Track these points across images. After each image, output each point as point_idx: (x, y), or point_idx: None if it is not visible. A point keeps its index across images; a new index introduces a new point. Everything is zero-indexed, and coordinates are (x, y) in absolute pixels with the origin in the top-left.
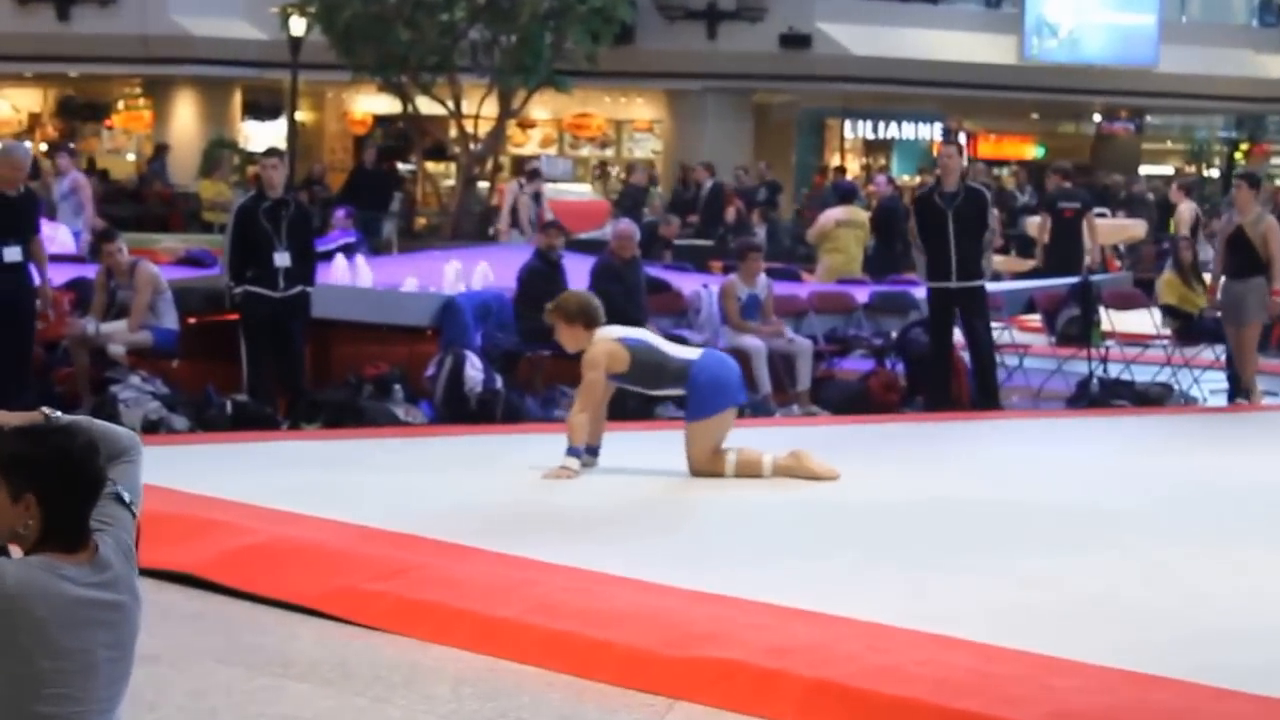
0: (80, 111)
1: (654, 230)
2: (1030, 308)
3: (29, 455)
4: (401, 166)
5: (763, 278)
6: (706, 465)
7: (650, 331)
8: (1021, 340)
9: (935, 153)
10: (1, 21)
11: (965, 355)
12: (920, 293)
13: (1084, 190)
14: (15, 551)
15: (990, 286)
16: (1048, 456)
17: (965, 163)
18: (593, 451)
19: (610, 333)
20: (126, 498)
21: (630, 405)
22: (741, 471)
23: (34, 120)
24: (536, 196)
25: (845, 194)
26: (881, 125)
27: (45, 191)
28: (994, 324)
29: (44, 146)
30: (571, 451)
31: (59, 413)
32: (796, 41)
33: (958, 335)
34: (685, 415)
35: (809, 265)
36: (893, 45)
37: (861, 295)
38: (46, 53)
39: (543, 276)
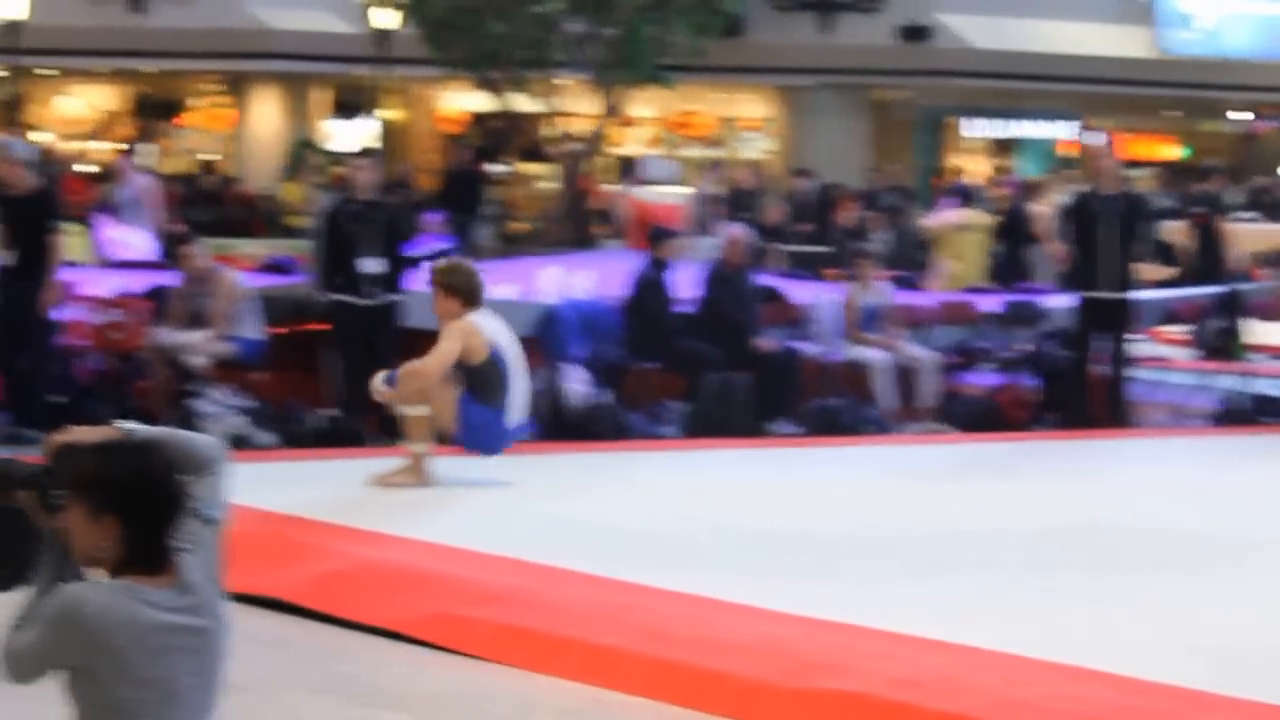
0: (156, 109)
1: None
2: (1172, 319)
3: (107, 475)
4: (496, 168)
5: (883, 286)
6: (415, 382)
7: (518, 352)
8: (1163, 353)
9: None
10: (74, 15)
11: (1101, 369)
12: (1052, 302)
13: (1222, 193)
14: (96, 575)
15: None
16: (1191, 477)
17: (1121, 165)
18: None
19: (484, 322)
20: (211, 516)
21: (739, 422)
22: (409, 425)
23: (108, 118)
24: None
25: (962, 196)
26: (1006, 123)
27: (112, 194)
28: (1133, 336)
29: (119, 146)
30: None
31: (137, 426)
32: (915, 34)
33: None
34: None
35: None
36: (1018, 38)
37: (989, 304)
38: (121, 48)
39: (656, 285)
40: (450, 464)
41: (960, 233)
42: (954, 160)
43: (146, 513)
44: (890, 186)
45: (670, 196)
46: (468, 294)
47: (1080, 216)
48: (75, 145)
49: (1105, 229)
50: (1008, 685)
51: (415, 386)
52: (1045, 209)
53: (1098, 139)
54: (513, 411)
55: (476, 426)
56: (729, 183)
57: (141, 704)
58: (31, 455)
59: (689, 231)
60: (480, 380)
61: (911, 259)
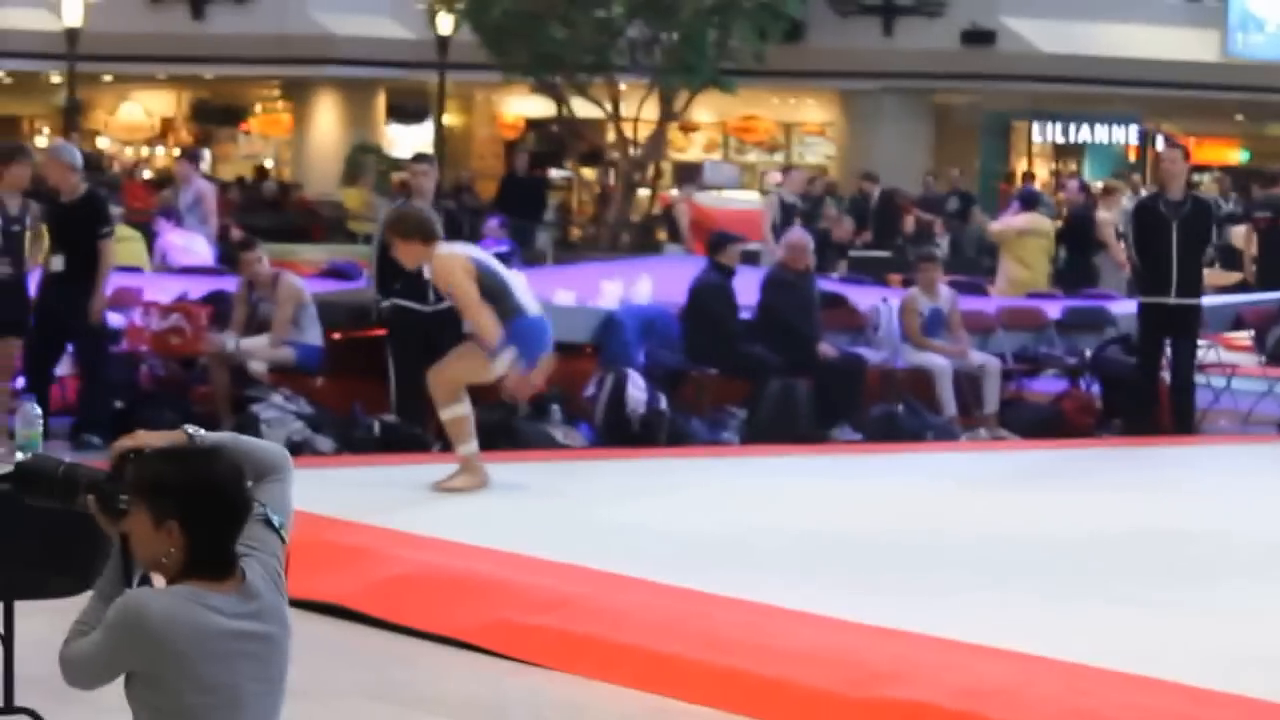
0: (215, 115)
1: (826, 238)
2: (1238, 324)
3: (171, 479)
4: (555, 173)
5: (946, 290)
6: (442, 384)
7: (490, 257)
8: (1229, 359)
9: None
10: (133, 21)
11: (1166, 376)
12: (1117, 308)
13: None
14: (158, 581)
15: None
16: (1257, 485)
17: (1189, 170)
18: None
19: (454, 248)
20: (275, 521)
21: (800, 429)
22: (450, 427)
23: (167, 125)
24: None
25: (1029, 201)
26: (1072, 127)
27: (173, 200)
28: (1199, 341)
29: (177, 152)
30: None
31: (203, 431)
32: (980, 38)
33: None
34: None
35: (995, 278)
36: (1084, 41)
37: (1053, 310)
38: (180, 53)
39: (718, 291)
40: (510, 470)
41: (1025, 237)
42: (1019, 164)
43: (211, 518)
44: (952, 191)
45: (731, 201)
46: (424, 231)
47: (1147, 221)
48: (135, 151)
49: (1171, 234)
50: (1073, 695)
51: (490, 318)
52: (1111, 215)
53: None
54: (529, 306)
55: (520, 341)
56: (803, 187)
57: (205, 710)
58: (96, 460)
59: (766, 237)
60: (487, 296)
61: (975, 264)
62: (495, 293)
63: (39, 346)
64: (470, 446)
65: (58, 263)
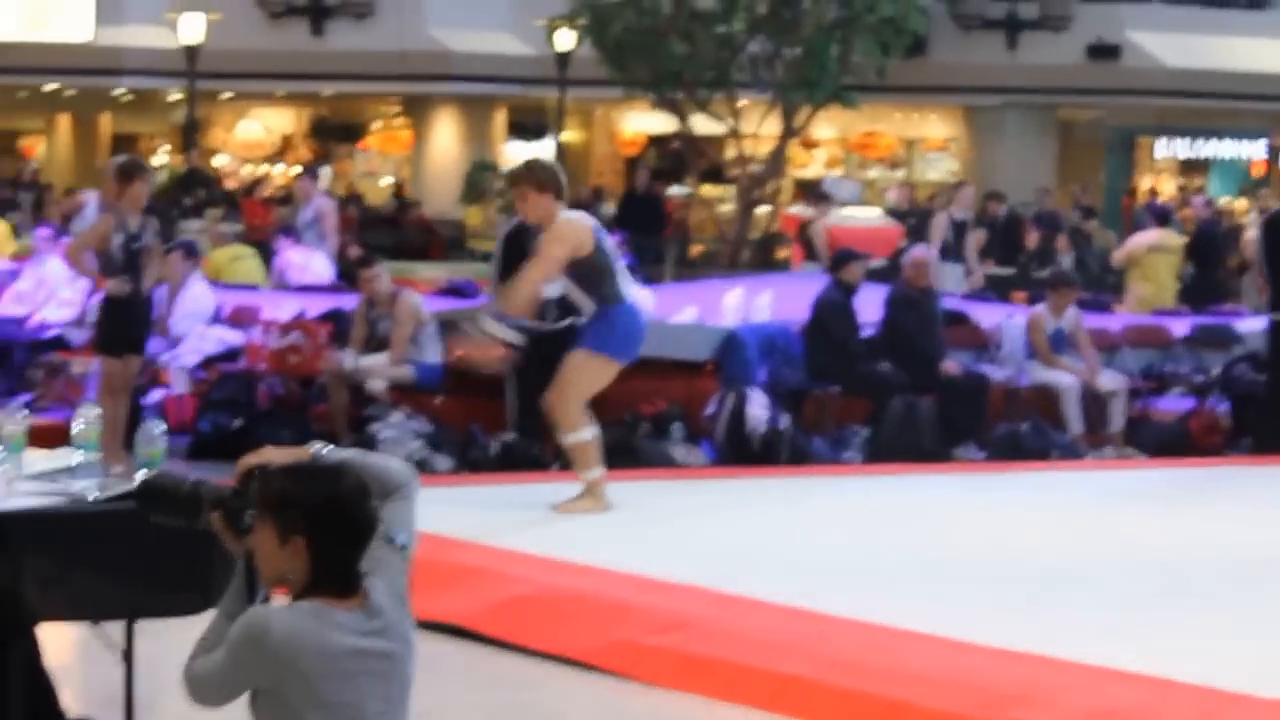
0: (334, 132)
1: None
2: None
3: (297, 496)
4: (675, 190)
5: (1072, 309)
6: (563, 408)
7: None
8: None
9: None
10: (253, 37)
11: None
12: (1244, 325)
13: None
14: (283, 598)
15: None
16: None
17: None
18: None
19: (578, 216)
20: (400, 540)
21: (924, 447)
22: (574, 453)
23: (286, 142)
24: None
25: (1159, 217)
26: (1198, 143)
27: (291, 218)
28: None
29: (295, 169)
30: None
31: (329, 448)
32: (1104, 52)
33: None
34: (584, 341)
35: (1120, 295)
36: (1210, 56)
37: (1179, 328)
38: (299, 70)
39: (841, 309)
40: (631, 489)
41: (1153, 254)
42: (1143, 180)
43: (336, 535)
44: (1075, 206)
45: (862, 219)
46: (559, 187)
47: (1275, 236)
48: (253, 169)
49: None
50: (1203, 718)
51: (532, 292)
52: (1253, 233)
53: None
54: (631, 294)
55: (622, 327)
56: (970, 205)
57: None
58: (221, 477)
59: (936, 257)
60: (594, 274)
61: (1100, 280)
62: (603, 272)
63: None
64: (594, 472)
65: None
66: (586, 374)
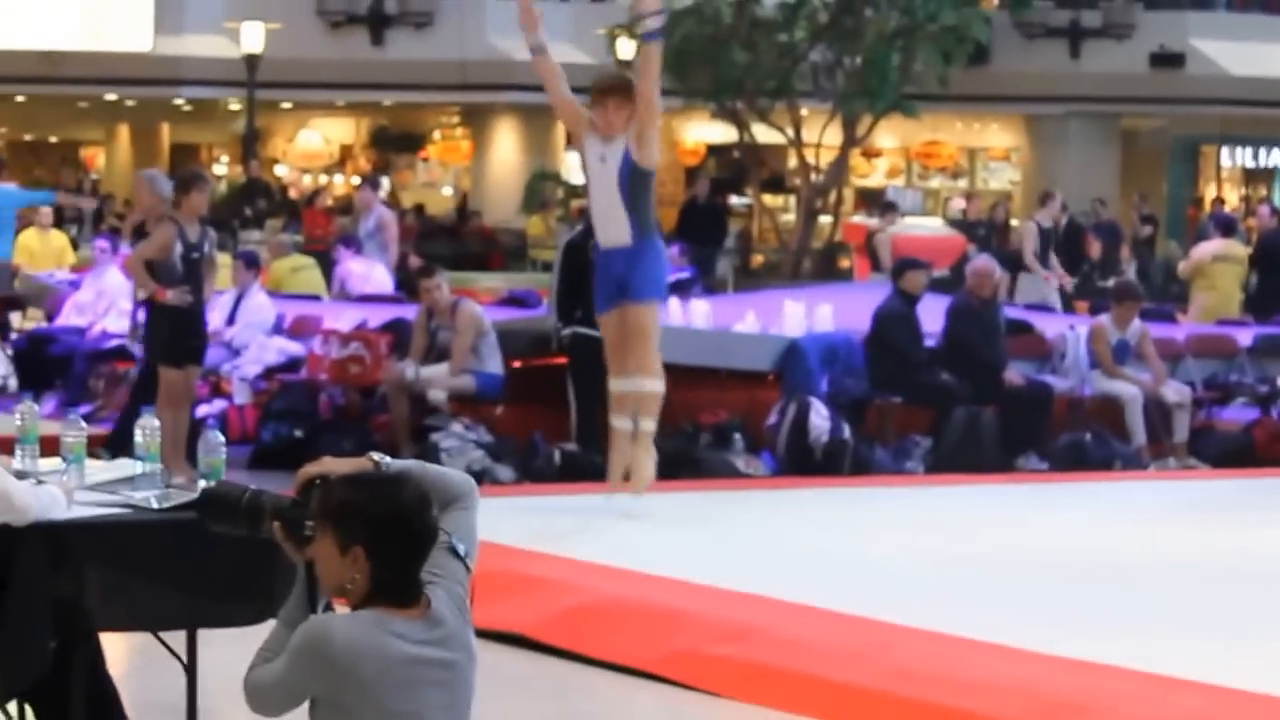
0: (394, 142)
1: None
2: None
3: (358, 506)
4: (736, 199)
5: (1137, 321)
6: (655, 358)
7: None
8: None
9: None
10: (312, 47)
11: None
12: None
13: None
14: (343, 607)
15: None
16: None
17: None
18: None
19: None
20: (461, 550)
21: (986, 458)
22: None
23: (345, 152)
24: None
25: (1224, 226)
26: (1263, 152)
27: (352, 228)
28: None
29: (356, 179)
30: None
31: (388, 458)
32: (1168, 60)
33: None
34: (649, 290)
35: (1183, 305)
36: (1275, 63)
37: (1244, 337)
38: (359, 80)
39: (903, 319)
40: (693, 499)
41: (1217, 264)
42: (1207, 189)
43: (397, 545)
44: (1140, 216)
45: (926, 229)
46: None
47: None
48: (313, 179)
49: None
50: None
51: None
52: None
53: None
54: None
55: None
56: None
57: None
58: (280, 487)
59: (1031, 264)
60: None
61: (1163, 290)
62: (651, 189)
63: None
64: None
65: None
66: (657, 323)
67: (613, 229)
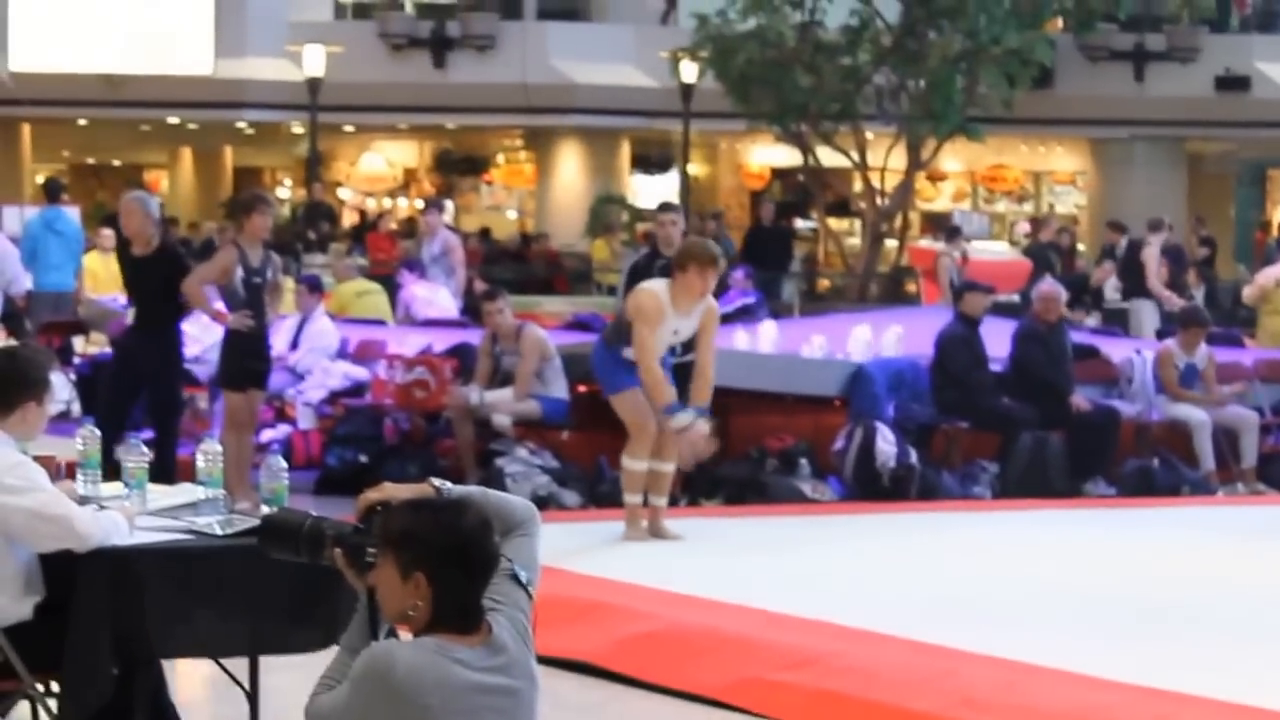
0: (458, 165)
1: (1083, 285)
2: None
3: (419, 533)
4: (801, 223)
5: (1203, 346)
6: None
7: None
8: None
9: None
10: (375, 70)
11: None
12: None
13: None
14: (405, 634)
15: None
16: None
17: None
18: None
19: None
20: (523, 577)
21: (1053, 483)
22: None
23: (409, 175)
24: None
25: None
26: None
27: (416, 252)
28: None
29: (420, 203)
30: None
31: (449, 484)
32: (1233, 84)
33: None
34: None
35: (1251, 329)
36: None
37: None
38: (422, 103)
39: (964, 342)
40: (759, 524)
41: None
42: (1275, 213)
43: (458, 571)
44: (1201, 240)
45: (993, 253)
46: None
47: None
48: (377, 203)
49: None
50: None
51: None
52: None
53: None
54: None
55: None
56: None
57: None
58: (342, 514)
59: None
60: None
61: (1231, 314)
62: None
63: (115, 393)
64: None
65: (131, 313)
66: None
67: None
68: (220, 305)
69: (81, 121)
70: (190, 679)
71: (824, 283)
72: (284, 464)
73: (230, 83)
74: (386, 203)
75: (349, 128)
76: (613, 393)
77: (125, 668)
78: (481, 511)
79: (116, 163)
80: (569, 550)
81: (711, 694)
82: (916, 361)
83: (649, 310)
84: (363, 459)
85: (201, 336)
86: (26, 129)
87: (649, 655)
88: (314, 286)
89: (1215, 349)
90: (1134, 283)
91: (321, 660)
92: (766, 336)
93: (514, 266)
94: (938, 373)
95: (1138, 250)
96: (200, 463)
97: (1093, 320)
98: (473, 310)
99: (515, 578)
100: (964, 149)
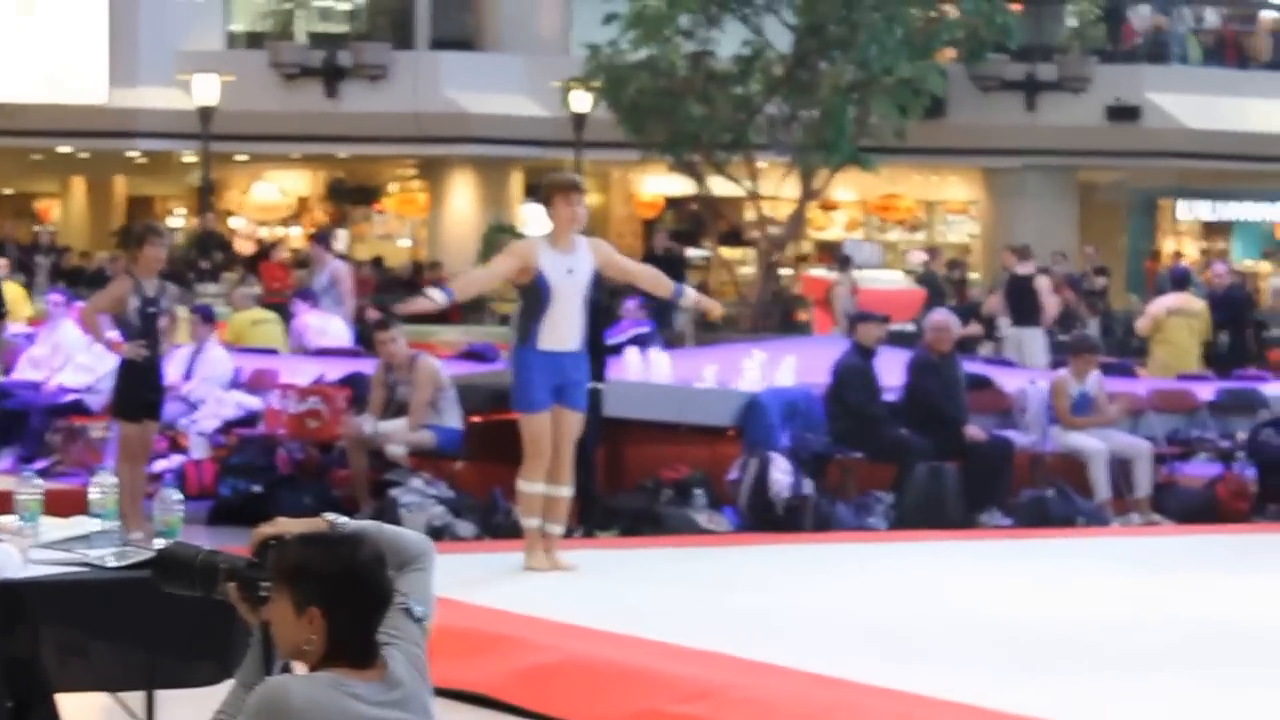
0: (350, 195)
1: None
2: None
3: (313, 567)
4: (694, 252)
5: (1095, 374)
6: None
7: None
8: None
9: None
10: (267, 100)
11: None
12: (1271, 390)
13: None
14: (299, 668)
15: None
16: None
17: None
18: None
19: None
20: (417, 611)
21: (948, 514)
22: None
23: (302, 204)
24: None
25: (1179, 281)
26: (1220, 205)
27: (309, 281)
28: None
29: (312, 232)
30: (445, 291)
31: (343, 518)
32: (1124, 114)
33: None
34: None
35: (1144, 359)
36: (1231, 117)
37: (1205, 392)
38: (314, 132)
39: (859, 372)
40: (654, 555)
41: (1174, 318)
42: (1165, 243)
43: (353, 606)
44: (1096, 269)
45: (886, 282)
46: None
47: None
48: (269, 232)
49: None
50: None
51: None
52: None
53: None
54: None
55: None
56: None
57: None
58: (236, 547)
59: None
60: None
61: (1124, 345)
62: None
63: None
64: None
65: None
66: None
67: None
68: (115, 334)
69: None
70: (86, 713)
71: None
72: (179, 496)
73: (122, 112)
74: (279, 231)
75: (241, 157)
76: (521, 410)
77: (19, 703)
78: (376, 546)
79: (8, 191)
80: (465, 581)
81: None
82: (810, 391)
83: (514, 247)
84: (256, 489)
85: (95, 366)
86: None
87: (546, 687)
88: (207, 316)
89: (1108, 379)
90: (1024, 312)
91: (218, 694)
92: (660, 366)
93: (407, 295)
94: (833, 403)
95: (1026, 280)
96: (95, 495)
97: (985, 349)
98: (366, 340)
99: (409, 612)
100: (857, 178)
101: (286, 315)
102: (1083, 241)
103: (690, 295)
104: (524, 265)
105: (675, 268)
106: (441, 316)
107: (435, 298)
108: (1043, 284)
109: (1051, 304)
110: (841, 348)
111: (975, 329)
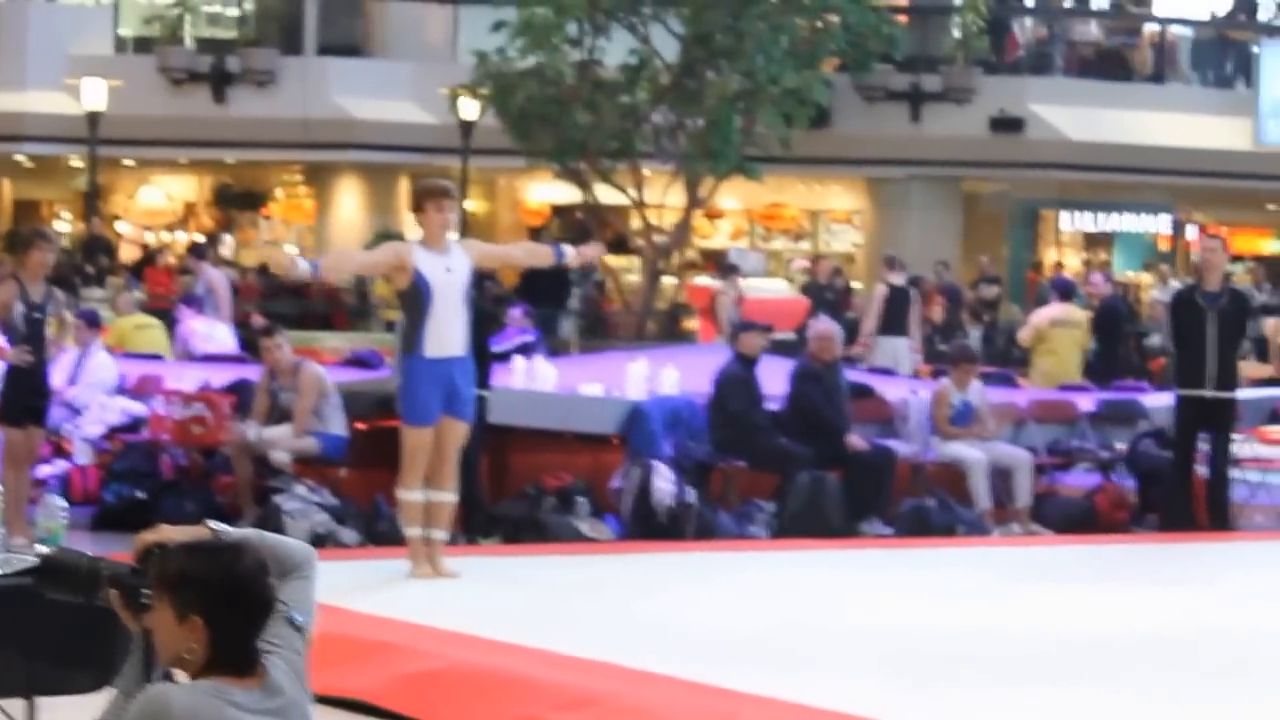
0: (237, 200)
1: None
2: (1274, 418)
3: (195, 575)
4: None
5: (976, 384)
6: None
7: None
8: (1265, 454)
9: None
10: (154, 104)
11: (1201, 470)
12: (1150, 401)
13: None
14: (181, 676)
15: None
16: None
17: (1228, 260)
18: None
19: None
20: (298, 620)
21: (830, 523)
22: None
23: (189, 209)
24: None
25: (1062, 291)
26: (1102, 216)
27: (194, 286)
28: (1235, 436)
29: (199, 237)
30: (312, 265)
31: (226, 527)
32: (1008, 125)
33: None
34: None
35: (1025, 370)
36: (1113, 129)
37: (1085, 403)
38: (202, 137)
39: (741, 382)
40: (536, 563)
41: (1056, 329)
42: (1047, 253)
43: (234, 614)
44: (983, 278)
45: (769, 290)
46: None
47: (1183, 313)
48: (156, 237)
49: (1209, 326)
50: None
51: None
52: None
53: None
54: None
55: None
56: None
57: None
58: (118, 554)
59: (875, 330)
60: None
61: (1005, 355)
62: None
63: None
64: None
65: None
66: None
67: (458, 337)
68: (0, 340)
69: None
70: None
71: (598, 250)
72: (63, 503)
73: (9, 115)
74: (165, 237)
75: (128, 161)
76: (410, 422)
77: None
78: (258, 554)
79: None
80: (347, 588)
81: None
82: (693, 400)
83: (391, 245)
84: (140, 495)
85: None
86: None
87: (428, 695)
88: (92, 321)
89: (989, 389)
90: (893, 322)
91: (98, 701)
92: (544, 374)
93: (293, 302)
94: (715, 411)
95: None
96: None
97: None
98: (251, 346)
99: (291, 620)
100: (742, 187)
101: (171, 321)
102: (966, 251)
103: (570, 253)
104: (400, 263)
105: (561, 277)
106: (326, 323)
107: (300, 268)
108: (912, 294)
109: (917, 314)
110: (725, 356)
111: (863, 346)
